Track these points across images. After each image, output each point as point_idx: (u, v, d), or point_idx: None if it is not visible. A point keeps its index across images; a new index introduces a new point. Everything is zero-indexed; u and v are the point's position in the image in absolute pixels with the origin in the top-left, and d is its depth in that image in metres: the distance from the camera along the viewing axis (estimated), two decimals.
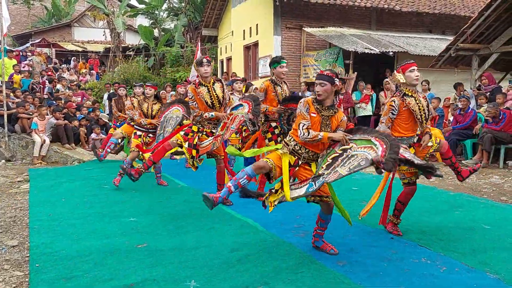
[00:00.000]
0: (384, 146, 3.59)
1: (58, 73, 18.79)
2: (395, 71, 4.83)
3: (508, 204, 5.87)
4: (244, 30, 16.49)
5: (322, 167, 3.75)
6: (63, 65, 22.07)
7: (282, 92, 6.05)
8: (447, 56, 10.75)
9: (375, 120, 11.34)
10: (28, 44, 24.16)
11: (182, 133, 5.80)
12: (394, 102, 4.50)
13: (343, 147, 3.79)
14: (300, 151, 3.92)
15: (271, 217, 5.29)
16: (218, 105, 5.59)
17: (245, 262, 3.90)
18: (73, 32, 29.73)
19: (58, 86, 15.04)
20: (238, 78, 8.66)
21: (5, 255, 4.20)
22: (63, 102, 12.45)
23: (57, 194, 6.80)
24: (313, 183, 3.65)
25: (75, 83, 16.38)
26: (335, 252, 4.04)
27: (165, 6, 23.00)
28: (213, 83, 5.59)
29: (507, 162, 8.32)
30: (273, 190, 3.90)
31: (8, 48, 17.76)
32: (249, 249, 4.22)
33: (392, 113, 4.50)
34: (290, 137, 3.99)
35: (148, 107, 7.21)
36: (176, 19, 22.73)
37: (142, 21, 25.82)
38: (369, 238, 4.55)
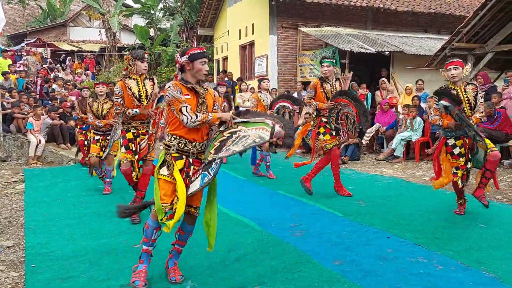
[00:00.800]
0: (279, 125, 3.36)
1: (53, 73, 18.73)
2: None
3: (503, 203, 5.90)
4: (240, 30, 16.48)
5: (211, 152, 3.37)
6: (58, 65, 22.01)
7: (332, 89, 6.22)
8: (442, 56, 10.76)
9: (371, 119, 11.35)
10: (23, 44, 24.06)
11: (123, 149, 5.40)
12: None
13: (231, 130, 3.42)
14: (186, 148, 3.42)
15: (268, 216, 5.30)
16: (145, 100, 5.34)
17: (242, 261, 3.90)
18: (68, 31, 29.62)
19: (54, 86, 14.98)
20: (265, 77, 8.43)
21: (1, 256, 4.19)
22: (58, 102, 12.41)
23: (52, 194, 6.78)
24: (206, 172, 3.36)
25: (71, 83, 16.31)
26: (176, 280, 3.51)
27: (160, 5, 22.96)
28: (145, 79, 5.41)
29: (502, 161, 8.34)
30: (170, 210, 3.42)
31: (3, 47, 17.70)
32: (246, 248, 4.22)
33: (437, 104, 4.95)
34: (170, 136, 3.47)
35: (98, 106, 6.81)
36: (171, 19, 22.69)
37: (137, 20, 25.76)
38: (365, 237, 4.55)
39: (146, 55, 5.40)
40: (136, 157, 5.35)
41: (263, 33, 14.76)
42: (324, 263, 3.84)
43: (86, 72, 21.17)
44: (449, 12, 15.53)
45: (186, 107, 3.32)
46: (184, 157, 3.43)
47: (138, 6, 22.51)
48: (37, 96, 13.73)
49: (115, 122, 6.07)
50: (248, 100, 12.35)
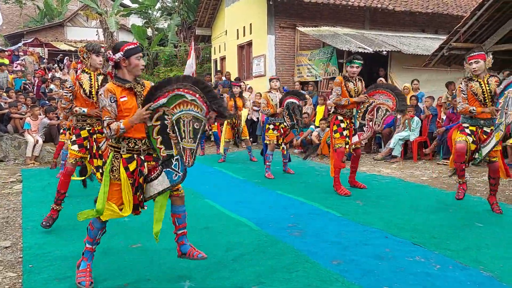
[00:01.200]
0: (201, 98, 3.19)
1: (50, 72, 18.70)
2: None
3: (501, 202, 5.90)
4: (237, 30, 16.48)
5: (160, 147, 3.32)
6: (55, 65, 21.97)
7: (355, 88, 6.38)
8: (440, 56, 10.78)
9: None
10: (20, 44, 24.03)
11: (76, 147, 5.11)
12: (461, 84, 5.29)
13: (157, 115, 3.27)
14: (137, 147, 3.37)
15: (266, 216, 5.30)
16: (96, 97, 5.02)
17: (239, 261, 3.89)
18: (65, 31, 29.59)
19: (52, 86, 14.96)
20: (274, 76, 8.59)
21: None
22: (56, 101, 12.37)
23: (50, 195, 6.73)
24: (169, 169, 3.36)
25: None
26: (203, 256, 3.52)
27: (158, 5, 22.94)
28: (98, 74, 5.16)
29: None
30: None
31: (0, 47, 17.64)
32: (243, 248, 4.22)
33: (463, 94, 5.23)
34: (117, 138, 3.37)
35: None
36: (169, 19, 22.68)
37: (135, 20, 25.76)
38: (363, 236, 4.56)
39: (103, 49, 5.15)
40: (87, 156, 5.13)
41: (261, 33, 14.76)
42: (322, 262, 3.84)
43: None
44: (447, 12, 15.56)
45: (106, 121, 3.28)
46: (135, 156, 3.39)
47: (135, 6, 22.51)
48: (35, 96, 13.71)
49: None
50: (249, 100, 12.40)
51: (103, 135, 5.10)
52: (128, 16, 24.58)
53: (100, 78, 5.21)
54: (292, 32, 14.59)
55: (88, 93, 5.09)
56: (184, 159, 3.28)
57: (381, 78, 11.86)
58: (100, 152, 5.20)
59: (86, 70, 5.16)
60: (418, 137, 9.51)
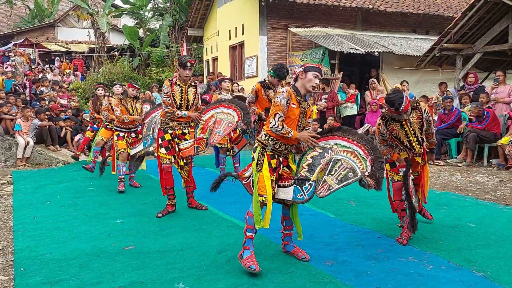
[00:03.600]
0: (370, 158, 3.54)
1: (41, 73, 18.55)
2: None
3: (493, 202, 5.95)
4: (229, 30, 16.46)
5: (304, 168, 3.69)
6: (46, 66, 21.81)
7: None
8: (431, 56, 10.85)
9: (360, 120, 11.41)
10: (10, 45, 23.80)
11: (163, 150, 5.44)
12: None
13: (322, 145, 3.72)
14: (280, 149, 3.76)
15: None
16: (185, 109, 5.44)
17: (233, 263, 3.89)
18: (56, 32, 29.36)
19: (43, 88, 14.83)
20: (226, 77, 8.65)
21: None
22: (47, 103, 12.30)
23: (41, 197, 6.71)
24: (298, 187, 3.66)
25: (59, 84, 16.17)
26: (306, 258, 3.91)
27: (150, 6, 22.82)
28: (188, 86, 5.45)
29: (491, 160, 8.43)
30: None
31: None
32: (237, 250, 4.20)
33: None
34: (266, 136, 3.77)
35: (132, 106, 7.03)
36: (161, 19, 22.58)
37: (126, 21, 25.60)
38: (355, 237, 4.57)
39: (189, 63, 5.28)
40: (162, 149, 5.43)
41: (253, 33, 14.75)
42: (316, 264, 3.85)
43: (75, 72, 21.01)
44: (438, 13, 15.65)
45: (280, 115, 3.62)
46: (276, 156, 3.75)
47: (127, 6, 22.37)
48: (27, 98, 13.61)
49: (141, 120, 6.92)
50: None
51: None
52: (120, 16, 24.44)
53: (191, 89, 5.48)
54: (284, 33, 14.59)
55: (179, 105, 5.38)
56: (318, 188, 3.57)
57: (373, 79, 11.91)
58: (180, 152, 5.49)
59: (179, 83, 5.38)
60: None
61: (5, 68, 16.59)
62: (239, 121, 5.76)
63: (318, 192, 3.56)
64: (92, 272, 3.72)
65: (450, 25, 10.17)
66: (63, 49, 25.78)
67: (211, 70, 18.32)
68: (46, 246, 4.41)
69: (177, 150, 5.46)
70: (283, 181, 3.80)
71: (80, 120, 11.89)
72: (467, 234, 4.59)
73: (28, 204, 6.26)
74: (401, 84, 10.87)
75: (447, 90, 10.26)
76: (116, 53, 22.07)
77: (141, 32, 22.36)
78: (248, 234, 3.76)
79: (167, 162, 5.45)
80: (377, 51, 12.18)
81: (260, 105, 6.56)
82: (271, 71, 6.54)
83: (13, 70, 16.90)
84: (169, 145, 5.42)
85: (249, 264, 3.61)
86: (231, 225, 5.01)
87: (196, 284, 3.50)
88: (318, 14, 14.70)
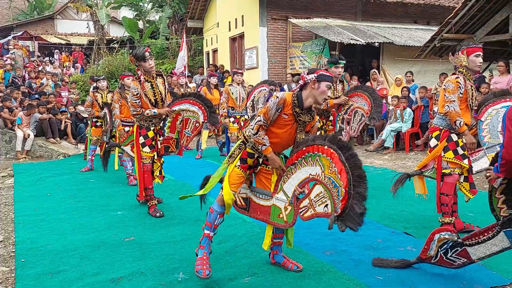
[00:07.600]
0: (346, 182, 3.06)
1: (40, 66, 18.52)
2: (459, 52, 4.21)
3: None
4: (229, 22, 16.40)
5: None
6: (46, 58, 21.77)
7: (334, 91, 5.95)
8: (432, 47, 10.80)
9: None
10: (9, 37, 23.73)
11: (147, 149, 5.21)
12: (460, 79, 4.11)
13: (302, 168, 3.23)
14: (260, 150, 3.36)
15: None
16: (160, 103, 5.17)
17: (233, 253, 3.91)
18: (56, 24, 29.27)
19: (43, 80, 14.81)
20: (239, 70, 8.56)
21: None
22: (47, 96, 12.28)
23: (42, 189, 6.74)
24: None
25: (59, 77, 16.15)
26: (299, 268, 3.54)
27: None
28: (156, 78, 5.13)
29: None
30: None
31: None
32: (236, 240, 4.23)
33: (460, 92, 4.09)
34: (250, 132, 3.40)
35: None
36: (160, 11, 22.49)
37: (126, 13, 25.49)
38: None
39: (147, 53, 4.94)
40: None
41: (253, 25, 14.70)
42: (315, 253, 3.87)
43: (75, 65, 20.97)
44: (438, 3, 15.59)
45: (260, 120, 3.23)
46: (255, 155, 3.41)
47: None
48: (32, 92, 13.59)
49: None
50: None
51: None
52: (119, 8, 24.36)
53: (159, 80, 5.17)
54: (284, 24, 14.54)
55: (154, 102, 5.10)
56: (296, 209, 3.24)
57: (374, 70, 11.87)
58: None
59: (146, 79, 5.06)
60: (410, 129, 9.55)
61: (5, 61, 16.55)
62: (205, 121, 5.71)
63: (301, 214, 3.29)
64: (92, 263, 3.74)
65: (451, 15, 10.12)
66: (63, 42, 25.70)
67: (211, 62, 18.27)
68: (47, 237, 4.44)
69: (159, 146, 5.31)
70: (264, 192, 3.44)
71: (76, 114, 11.89)
72: (467, 223, 4.60)
73: (29, 196, 6.28)
74: (405, 75, 10.85)
75: None
76: (115, 45, 22.01)
77: (140, 24, 22.30)
78: (205, 231, 3.46)
79: (149, 161, 5.22)
80: (377, 42, 12.14)
81: None
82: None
83: (13, 63, 16.86)
84: (153, 143, 5.23)
85: (198, 268, 3.32)
86: (230, 216, 5.00)
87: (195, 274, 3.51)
88: (318, 4, 14.64)
